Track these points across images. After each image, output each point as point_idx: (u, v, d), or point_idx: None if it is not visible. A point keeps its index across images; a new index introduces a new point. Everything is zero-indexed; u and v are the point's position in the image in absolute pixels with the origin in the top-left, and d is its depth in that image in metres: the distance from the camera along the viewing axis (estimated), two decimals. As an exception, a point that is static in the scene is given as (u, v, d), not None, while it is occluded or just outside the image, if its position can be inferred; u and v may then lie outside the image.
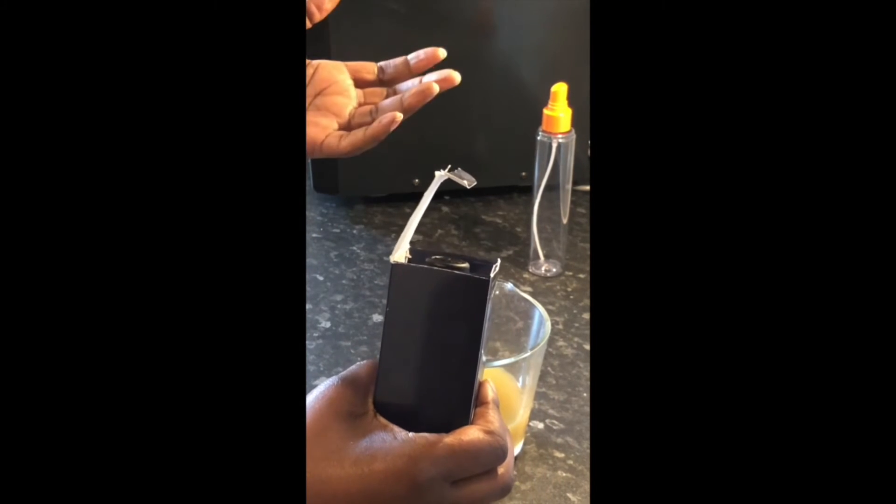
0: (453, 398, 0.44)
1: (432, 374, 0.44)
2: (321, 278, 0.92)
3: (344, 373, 0.45)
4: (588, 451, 0.68)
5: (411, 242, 0.45)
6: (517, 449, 0.67)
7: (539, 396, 0.74)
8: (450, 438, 0.42)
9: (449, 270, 0.44)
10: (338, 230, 1.03)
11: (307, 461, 0.41)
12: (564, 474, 0.66)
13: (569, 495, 0.64)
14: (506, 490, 0.44)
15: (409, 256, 0.45)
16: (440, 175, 0.47)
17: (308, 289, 0.90)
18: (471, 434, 0.43)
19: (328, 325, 0.84)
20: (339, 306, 0.87)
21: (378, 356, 0.45)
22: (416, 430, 0.43)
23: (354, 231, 1.03)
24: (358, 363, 0.46)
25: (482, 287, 0.43)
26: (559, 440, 0.70)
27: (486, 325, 0.44)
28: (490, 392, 0.46)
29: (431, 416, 0.44)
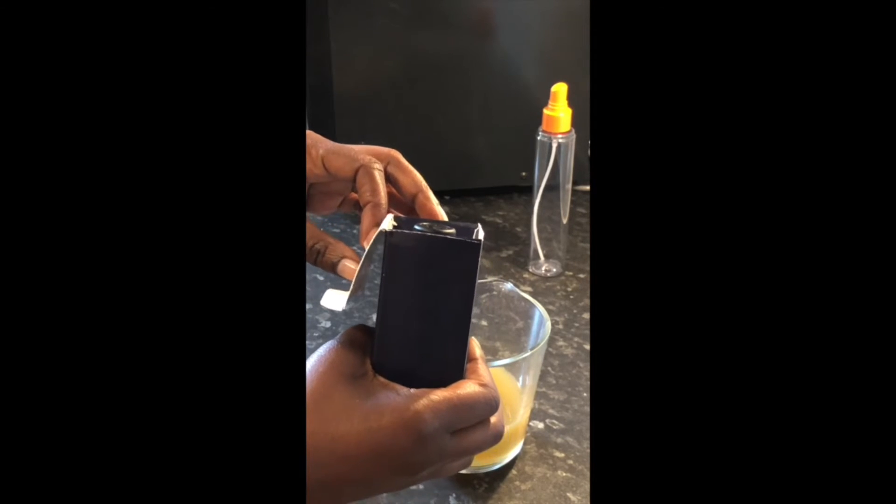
0: (448, 355, 0.46)
1: (428, 334, 0.46)
2: (321, 278, 0.92)
3: (341, 336, 0.47)
4: (588, 451, 0.68)
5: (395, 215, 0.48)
6: (517, 449, 0.67)
7: (539, 396, 0.74)
8: (448, 392, 0.44)
9: (441, 236, 0.46)
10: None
11: (317, 422, 0.42)
12: (564, 474, 0.66)
13: (569, 495, 0.64)
14: (498, 437, 0.47)
15: (396, 224, 0.47)
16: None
17: (308, 289, 0.90)
18: (467, 387, 0.45)
19: (328, 325, 0.84)
20: (339, 306, 0.87)
21: (375, 320, 0.47)
22: (414, 387, 0.45)
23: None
24: (351, 326, 0.48)
25: (474, 249, 0.45)
26: (559, 440, 0.70)
27: (476, 284, 0.46)
28: (477, 349, 0.49)
29: (427, 372, 0.46)
